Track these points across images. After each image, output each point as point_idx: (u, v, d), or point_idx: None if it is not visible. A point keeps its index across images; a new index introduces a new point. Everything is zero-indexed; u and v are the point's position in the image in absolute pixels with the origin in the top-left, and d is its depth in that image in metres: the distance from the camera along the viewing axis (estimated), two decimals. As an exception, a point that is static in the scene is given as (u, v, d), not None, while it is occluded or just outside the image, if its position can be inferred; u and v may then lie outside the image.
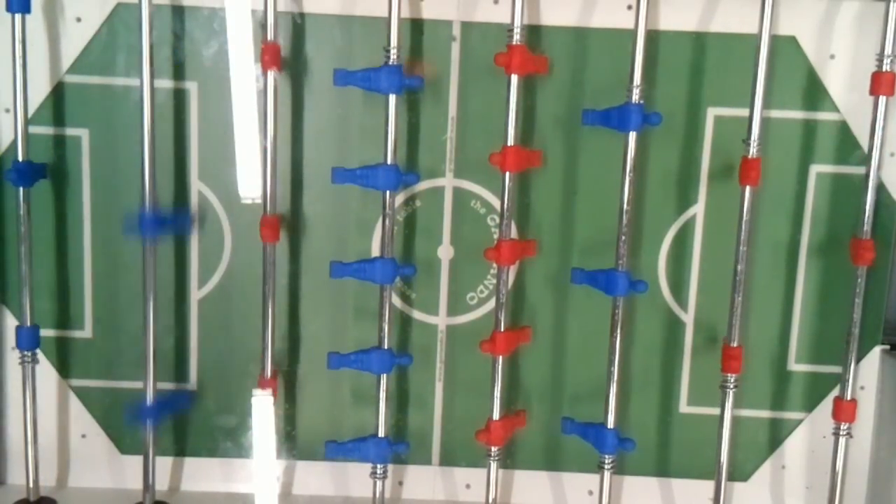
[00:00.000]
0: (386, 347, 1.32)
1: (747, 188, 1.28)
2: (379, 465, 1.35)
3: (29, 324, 1.34)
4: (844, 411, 1.35)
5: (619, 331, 1.30)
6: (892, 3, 1.25)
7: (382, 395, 1.33)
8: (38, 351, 1.37)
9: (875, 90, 1.28)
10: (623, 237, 1.28)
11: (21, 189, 1.30)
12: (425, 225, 1.40)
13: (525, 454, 1.42)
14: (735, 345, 1.32)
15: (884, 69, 1.27)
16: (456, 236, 1.40)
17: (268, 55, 1.27)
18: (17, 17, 1.27)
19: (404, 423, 1.45)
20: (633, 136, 1.26)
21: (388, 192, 1.29)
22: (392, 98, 1.26)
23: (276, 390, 1.34)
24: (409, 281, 1.42)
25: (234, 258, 1.40)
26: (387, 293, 1.31)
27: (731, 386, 1.33)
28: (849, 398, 1.35)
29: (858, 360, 1.37)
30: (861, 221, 1.31)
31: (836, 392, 1.38)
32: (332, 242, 1.40)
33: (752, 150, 1.27)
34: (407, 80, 1.27)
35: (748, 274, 1.32)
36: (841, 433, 1.35)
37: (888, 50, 1.26)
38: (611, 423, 1.32)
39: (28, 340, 1.34)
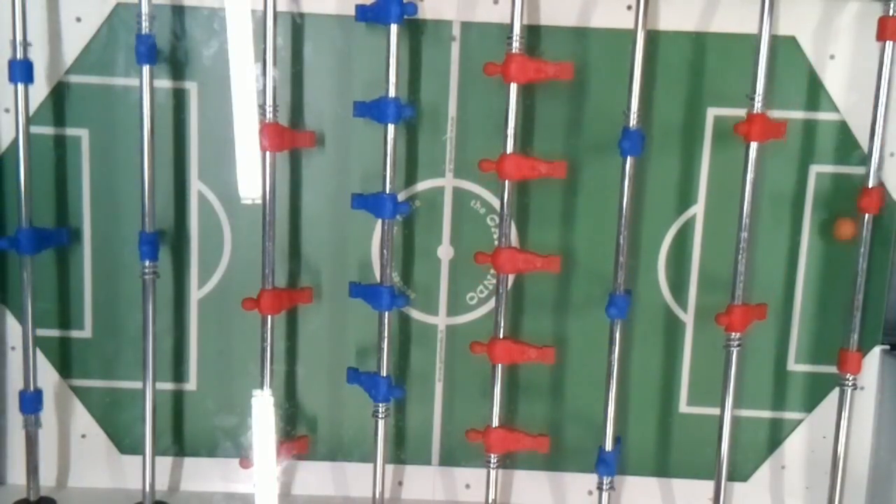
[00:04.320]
0: (385, 374, 1.33)
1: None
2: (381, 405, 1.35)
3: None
4: (850, 362, 1.34)
5: (617, 335, 1.30)
6: (890, 11, 1.26)
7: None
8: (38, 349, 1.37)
9: (882, 35, 1.27)
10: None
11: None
12: (425, 225, 1.40)
13: (525, 454, 1.41)
14: (739, 301, 1.30)
15: (891, 13, 1.26)
16: (456, 236, 1.40)
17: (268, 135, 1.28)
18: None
19: (404, 423, 1.45)
20: (629, 163, 1.26)
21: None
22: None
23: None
24: (409, 281, 1.42)
25: (234, 258, 1.40)
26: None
27: (735, 344, 1.31)
28: (854, 349, 1.35)
29: (858, 360, 1.38)
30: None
31: (836, 392, 1.38)
32: (332, 242, 1.40)
33: (758, 106, 1.25)
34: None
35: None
36: (847, 385, 1.35)
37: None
38: (609, 446, 1.32)
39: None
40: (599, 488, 1.34)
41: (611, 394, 1.31)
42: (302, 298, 1.38)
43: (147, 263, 1.33)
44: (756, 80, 1.25)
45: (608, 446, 1.32)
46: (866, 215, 1.31)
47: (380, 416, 1.34)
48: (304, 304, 1.40)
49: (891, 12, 1.26)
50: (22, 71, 1.27)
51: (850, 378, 1.35)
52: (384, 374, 1.33)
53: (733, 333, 1.31)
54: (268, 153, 1.28)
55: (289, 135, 1.32)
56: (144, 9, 1.26)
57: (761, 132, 1.26)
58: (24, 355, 1.34)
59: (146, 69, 1.28)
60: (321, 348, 1.43)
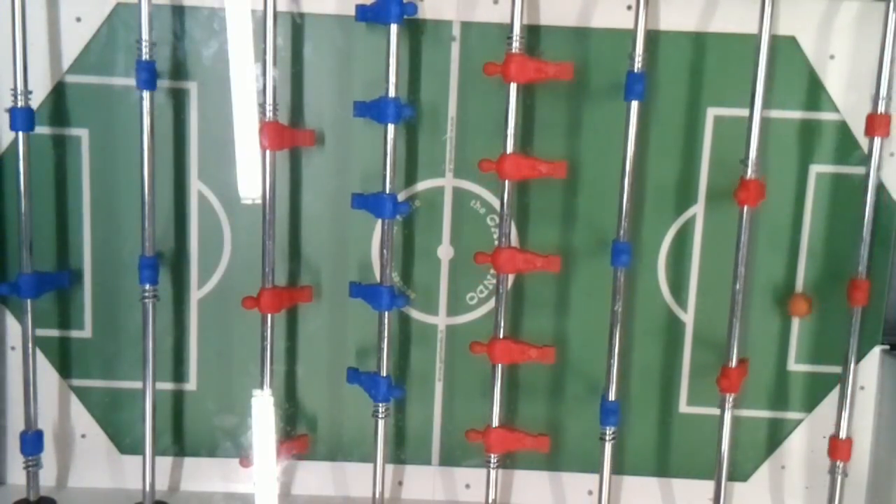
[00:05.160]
0: (385, 374, 1.33)
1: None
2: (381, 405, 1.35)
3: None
4: (839, 450, 1.36)
5: (619, 311, 1.31)
6: (890, 11, 1.26)
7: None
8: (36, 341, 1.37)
9: (869, 131, 1.29)
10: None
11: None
12: (425, 225, 1.40)
13: (525, 454, 1.42)
14: (734, 365, 1.32)
15: (878, 111, 1.28)
16: (456, 236, 1.40)
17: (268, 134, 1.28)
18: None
19: (404, 423, 1.45)
20: (634, 109, 1.26)
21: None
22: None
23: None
24: (409, 281, 1.42)
25: (234, 258, 1.40)
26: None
27: (729, 406, 1.33)
28: (844, 436, 1.35)
29: (858, 360, 1.38)
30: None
31: (836, 392, 1.38)
32: (332, 242, 1.40)
33: (750, 172, 1.27)
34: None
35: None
36: (837, 473, 1.36)
37: (883, 91, 1.28)
38: (612, 395, 1.33)
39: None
40: (602, 439, 1.34)
41: (615, 342, 1.31)
42: (302, 297, 1.39)
43: (147, 287, 1.33)
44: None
45: (612, 396, 1.32)
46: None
47: (380, 416, 1.34)
48: (305, 305, 1.40)
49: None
50: (23, 119, 1.28)
51: (841, 465, 1.36)
52: (384, 374, 1.33)
53: (729, 395, 1.32)
54: (268, 152, 1.28)
55: (289, 133, 1.32)
56: (145, 34, 1.27)
57: (756, 197, 1.28)
58: (24, 355, 1.34)
59: (146, 93, 1.28)
60: (321, 348, 1.43)
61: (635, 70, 1.25)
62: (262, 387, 1.33)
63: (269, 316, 1.32)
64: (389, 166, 1.28)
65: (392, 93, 1.26)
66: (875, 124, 1.29)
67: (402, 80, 1.32)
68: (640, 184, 1.36)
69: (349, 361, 1.42)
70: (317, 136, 1.37)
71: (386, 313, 1.32)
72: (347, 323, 1.42)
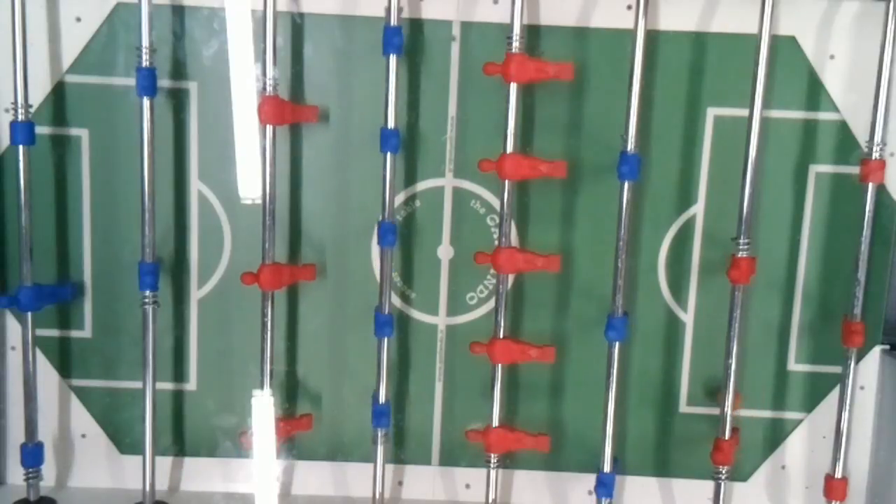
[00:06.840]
0: (384, 401, 1.35)
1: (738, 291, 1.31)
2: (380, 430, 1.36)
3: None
4: (835, 490, 1.36)
5: (616, 354, 1.31)
6: (890, 11, 1.26)
7: (384, 373, 1.34)
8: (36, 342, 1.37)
9: (864, 178, 1.30)
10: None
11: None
12: (425, 225, 1.40)
13: (525, 454, 1.42)
14: (727, 437, 1.33)
15: (873, 157, 1.29)
16: (456, 236, 1.41)
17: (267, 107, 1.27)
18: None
19: (404, 423, 1.45)
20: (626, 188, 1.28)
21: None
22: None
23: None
24: (409, 281, 1.42)
25: (234, 258, 1.40)
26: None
27: (723, 476, 1.34)
28: (840, 475, 1.35)
29: (858, 360, 1.38)
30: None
31: (836, 392, 1.38)
32: (331, 241, 1.40)
33: (742, 251, 1.28)
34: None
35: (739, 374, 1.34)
36: None
37: (878, 138, 1.29)
38: (607, 467, 1.33)
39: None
40: None
41: (609, 412, 1.31)
42: (304, 275, 1.37)
43: (147, 293, 1.33)
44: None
45: (606, 468, 1.33)
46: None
47: (379, 441, 1.35)
48: (306, 301, 1.40)
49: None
50: (24, 133, 1.28)
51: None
52: (382, 401, 1.34)
53: (721, 467, 1.34)
54: (269, 131, 1.28)
55: (289, 108, 1.31)
56: (145, 41, 1.27)
57: (747, 276, 1.29)
58: (24, 355, 1.34)
59: (147, 99, 1.28)
60: (321, 348, 1.43)
61: (629, 150, 1.26)
62: (261, 378, 1.32)
63: (270, 296, 1.31)
64: (388, 194, 1.29)
65: (392, 124, 1.27)
66: (869, 169, 1.29)
67: (402, 79, 1.32)
68: (641, 184, 1.36)
69: (349, 359, 1.42)
70: (317, 135, 1.36)
71: (385, 340, 1.33)
72: (347, 322, 1.42)
